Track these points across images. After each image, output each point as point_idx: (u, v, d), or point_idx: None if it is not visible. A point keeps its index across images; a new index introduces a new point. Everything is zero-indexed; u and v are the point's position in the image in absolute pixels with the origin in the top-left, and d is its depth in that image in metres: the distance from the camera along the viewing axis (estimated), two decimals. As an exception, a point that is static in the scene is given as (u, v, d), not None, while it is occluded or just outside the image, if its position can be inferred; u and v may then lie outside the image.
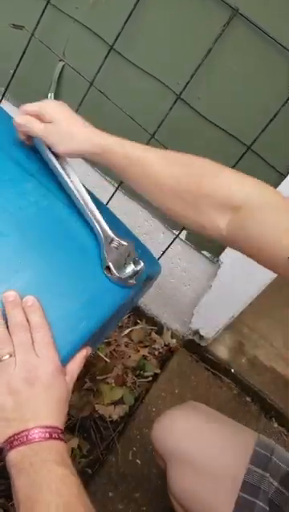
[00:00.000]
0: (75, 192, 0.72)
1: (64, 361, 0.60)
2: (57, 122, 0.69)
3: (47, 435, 0.50)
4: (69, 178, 0.73)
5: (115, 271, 0.66)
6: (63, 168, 0.73)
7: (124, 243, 0.69)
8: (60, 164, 0.72)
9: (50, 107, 0.71)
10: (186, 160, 0.65)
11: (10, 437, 0.50)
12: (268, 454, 0.74)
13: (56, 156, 0.72)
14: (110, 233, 0.69)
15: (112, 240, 0.69)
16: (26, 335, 0.55)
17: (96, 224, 0.70)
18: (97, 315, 0.65)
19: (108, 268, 0.67)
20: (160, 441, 0.81)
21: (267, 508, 0.69)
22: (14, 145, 0.76)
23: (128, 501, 1.00)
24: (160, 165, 0.64)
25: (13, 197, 0.69)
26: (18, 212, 0.67)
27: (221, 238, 0.62)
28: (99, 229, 0.70)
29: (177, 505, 0.77)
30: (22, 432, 0.50)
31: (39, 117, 0.70)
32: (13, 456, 0.49)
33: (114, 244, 0.69)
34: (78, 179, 0.74)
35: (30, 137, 0.73)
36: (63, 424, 0.53)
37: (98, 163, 0.68)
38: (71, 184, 0.72)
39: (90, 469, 1.03)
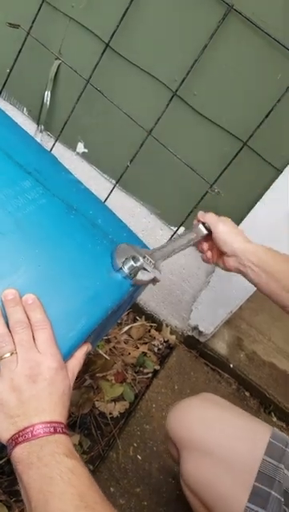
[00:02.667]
0: None
1: (65, 358, 0.61)
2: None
3: (52, 430, 0.51)
4: None
5: (126, 271, 0.69)
6: None
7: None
8: None
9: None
10: None
11: (14, 434, 0.50)
12: (283, 446, 0.74)
13: None
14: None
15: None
16: (27, 333, 0.56)
17: None
18: (97, 312, 0.66)
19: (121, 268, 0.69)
20: (176, 429, 0.81)
21: (282, 499, 0.70)
22: (11, 144, 0.77)
23: (129, 497, 1.01)
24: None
25: (11, 196, 0.69)
26: (16, 210, 0.68)
27: None
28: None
29: (189, 493, 0.78)
30: (27, 428, 0.50)
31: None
32: (19, 452, 0.49)
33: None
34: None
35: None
36: (66, 419, 0.54)
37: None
38: None
39: (91, 465, 1.04)
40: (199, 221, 0.82)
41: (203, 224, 0.81)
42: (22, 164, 0.74)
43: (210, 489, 0.73)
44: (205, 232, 0.80)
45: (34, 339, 0.56)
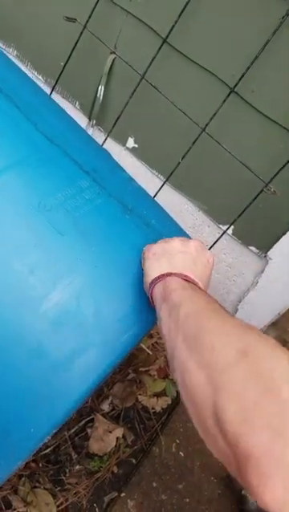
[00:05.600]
0: None
1: (116, 362, 0.61)
2: None
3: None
4: None
5: None
6: None
7: None
8: None
9: None
10: None
11: (162, 274, 0.59)
12: None
13: None
14: None
15: None
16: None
17: None
18: (150, 315, 0.65)
19: None
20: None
21: None
22: (69, 141, 0.77)
23: (171, 493, 1.02)
24: None
25: (69, 196, 0.69)
26: (74, 210, 0.68)
27: None
28: None
29: None
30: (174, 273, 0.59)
31: None
32: (165, 284, 0.57)
33: None
34: None
35: None
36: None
37: None
38: None
39: (134, 459, 1.06)
40: None
41: None
42: (80, 163, 0.74)
43: None
44: None
45: None
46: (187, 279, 0.59)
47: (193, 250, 0.65)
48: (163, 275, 0.59)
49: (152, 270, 0.61)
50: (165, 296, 0.55)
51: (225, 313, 0.50)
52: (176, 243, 0.65)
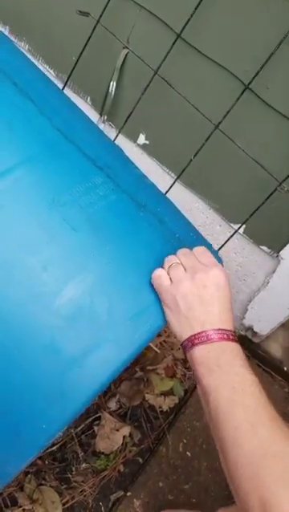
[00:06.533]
0: None
1: (129, 359, 0.61)
2: None
3: (225, 336, 0.56)
4: None
5: None
6: None
7: None
8: None
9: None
10: None
11: (190, 336, 0.57)
12: None
13: None
14: None
15: None
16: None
17: None
18: (160, 318, 0.64)
19: None
20: None
21: None
22: (82, 137, 0.76)
23: (177, 493, 1.01)
24: None
25: (83, 192, 0.69)
26: (88, 206, 0.67)
27: None
28: None
29: None
30: (202, 332, 0.57)
31: None
32: (197, 354, 0.56)
33: None
34: None
35: None
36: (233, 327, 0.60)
37: None
38: None
39: (140, 458, 1.05)
40: None
41: None
42: (94, 158, 0.73)
43: None
44: None
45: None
46: (222, 335, 0.57)
47: (212, 290, 0.60)
48: (200, 335, 0.57)
49: (178, 328, 0.60)
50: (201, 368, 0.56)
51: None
52: (193, 289, 0.60)
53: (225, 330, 0.57)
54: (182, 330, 0.59)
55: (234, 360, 0.54)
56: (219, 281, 0.60)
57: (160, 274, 0.64)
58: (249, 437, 0.48)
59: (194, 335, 0.57)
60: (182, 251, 0.66)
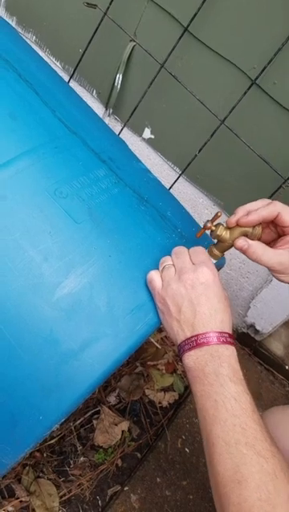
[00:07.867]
0: None
1: (127, 353, 0.60)
2: None
3: (215, 339, 0.54)
4: None
5: None
6: None
7: None
8: None
9: None
10: None
11: (183, 340, 0.56)
12: None
13: None
14: None
15: None
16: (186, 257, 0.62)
17: None
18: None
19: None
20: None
21: None
22: (87, 130, 0.76)
23: (175, 489, 1.01)
24: None
25: (86, 184, 0.68)
26: (90, 199, 0.67)
27: None
28: None
29: None
30: (193, 337, 0.55)
31: None
32: (186, 360, 0.55)
33: None
34: None
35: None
36: (229, 327, 0.57)
37: None
38: None
39: (139, 453, 1.05)
40: None
41: None
42: (97, 151, 0.73)
43: None
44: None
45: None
46: (211, 338, 0.55)
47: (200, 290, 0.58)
48: (189, 340, 0.56)
49: (171, 333, 0.59)
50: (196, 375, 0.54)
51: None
52: (181, 290, 0.58)
53: (217, 332, 0.55)
54: (175, 334, 0.58)
55: (220, 368, 0.52)
56: (207, 279, 0.58)
57: (152, 278, 0.62)
58: (223, 457, 0.48)
59: (184, 341, 0.56)
60: (176, 250, 0.64)
